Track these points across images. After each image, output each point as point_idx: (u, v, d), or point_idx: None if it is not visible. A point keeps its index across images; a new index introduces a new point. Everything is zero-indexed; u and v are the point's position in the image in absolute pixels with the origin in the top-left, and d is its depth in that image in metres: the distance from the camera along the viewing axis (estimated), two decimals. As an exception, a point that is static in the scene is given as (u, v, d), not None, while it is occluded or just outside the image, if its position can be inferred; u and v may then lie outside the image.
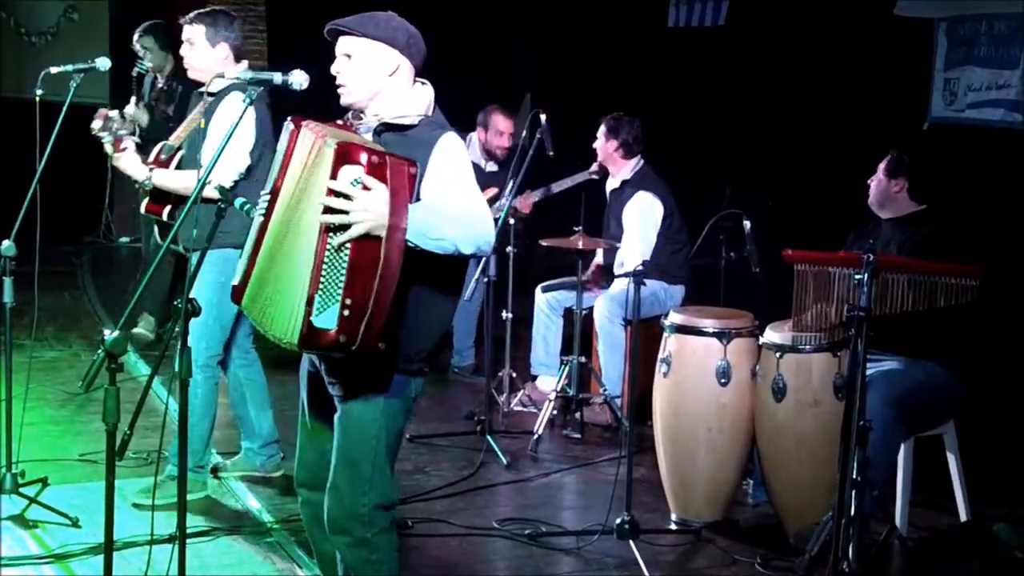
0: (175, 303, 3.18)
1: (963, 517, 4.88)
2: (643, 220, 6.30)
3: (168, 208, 4.80)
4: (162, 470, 4.74)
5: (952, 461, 4.86)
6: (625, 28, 9.12)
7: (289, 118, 3.22)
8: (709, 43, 8.29)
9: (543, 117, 5.99)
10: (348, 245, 2.98)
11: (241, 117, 3.24)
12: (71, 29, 10.84)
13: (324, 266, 2.99)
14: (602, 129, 6.45)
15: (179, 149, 4.85)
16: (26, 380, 5.43)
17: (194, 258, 4.55)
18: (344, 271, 2.98)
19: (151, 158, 4.87)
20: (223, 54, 4.85)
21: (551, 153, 6.02)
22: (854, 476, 3.87)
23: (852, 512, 3.88)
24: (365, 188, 2.98)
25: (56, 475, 5.01)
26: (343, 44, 3.29)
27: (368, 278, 2.98)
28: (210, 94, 4.80)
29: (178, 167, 4.82)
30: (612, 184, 6.54)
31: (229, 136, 3.22)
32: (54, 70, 4.78)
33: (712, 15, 8.27)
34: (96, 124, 4.73)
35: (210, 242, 3.37)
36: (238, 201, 3.32)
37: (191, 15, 4.87)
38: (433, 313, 3.28)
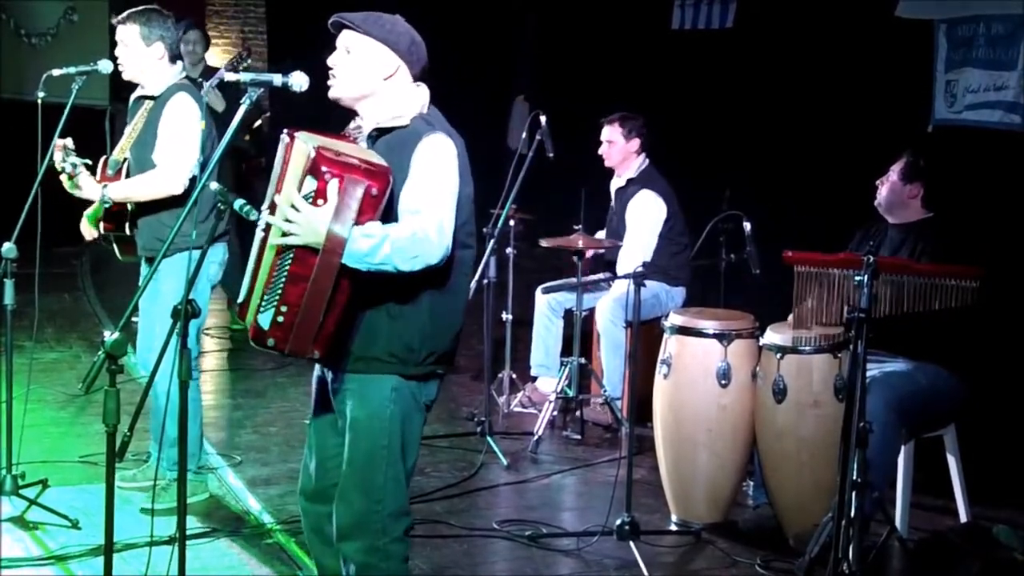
0: (174, 305, 3.17)
1: (963, 519, 4.88)
2: (646, 219, 6.32)
3: (127, 222, 4.76)
4: (161, 476, 4.73)
5: (952, 463, 4.85)
6: (628, 30, 9.11)
7: (285, 130, 3.20)
8: (710, 45, 8.28)
9: (543, 119, 5.97)
10: (291, 255, 3.07)
11: (241, 118, 3.22)
12: (71, 30, 10.82)
13: (275, 271, 3.11)
14: (617, 129, 6.42)
15: (125, 160, 4.76)
16: (27, 382, 5.43)
17: (171, 262, 4.55)
18: (285, 279, 3.10)
19: (98, 176, 4.77)
20: (158, 54, 4.73)
21: (551, 155, 6.00)
22: (854, 478, 3.86)
23: (852, 513, 3.88)
24: (317, 201, 3.02)
25: (56, 477, 5.01)
26: (345, 38, 3.28)
27: (302, 289, 3.08)
28: (151, 98, 4.76)
29: (128, 177, 4.73)
30: (618, 183, 6.54)
31: (229, 138, 3.21)
32: (56, 72, 4.75)
33: (719, 17, 8.23)
34: (57, 156, 4.64)
35: (211, 242, 3.35)
36: (237, 203, 3.31)
37: (123, 15, 4.75)
38: (433, 315, 3.25)
